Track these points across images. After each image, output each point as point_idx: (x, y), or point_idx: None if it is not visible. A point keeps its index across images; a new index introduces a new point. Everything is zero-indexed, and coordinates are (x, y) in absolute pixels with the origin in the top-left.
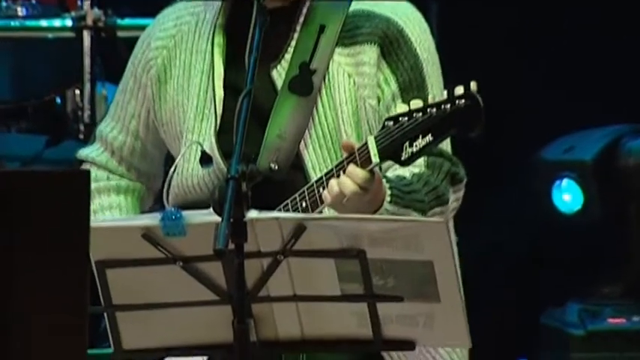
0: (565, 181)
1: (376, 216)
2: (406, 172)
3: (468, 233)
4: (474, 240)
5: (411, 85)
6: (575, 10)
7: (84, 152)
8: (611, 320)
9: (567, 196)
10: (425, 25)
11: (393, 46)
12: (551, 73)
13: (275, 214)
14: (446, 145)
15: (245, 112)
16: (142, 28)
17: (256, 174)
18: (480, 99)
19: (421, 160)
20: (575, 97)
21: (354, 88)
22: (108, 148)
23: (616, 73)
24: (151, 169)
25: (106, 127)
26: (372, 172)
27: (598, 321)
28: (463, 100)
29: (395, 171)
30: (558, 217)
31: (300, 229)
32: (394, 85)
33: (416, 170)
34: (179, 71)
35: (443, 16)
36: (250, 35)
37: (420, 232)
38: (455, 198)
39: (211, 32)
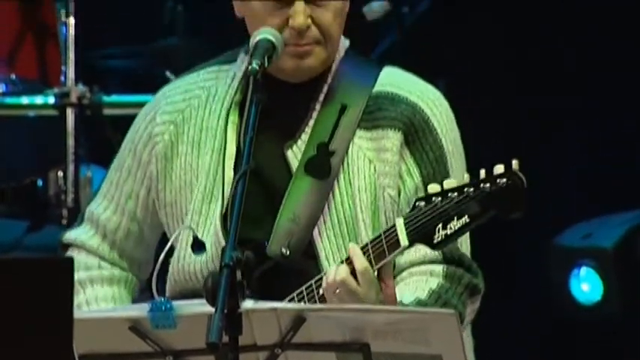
0: (583, 270)
1: (380, 306)
2: (426, 287)
3: (475, 325)
4: (482, 334)
5: (435, 178)
6: (595, 91)
7: (71, 235)
8: None
9: (586, 286)
10: (451, 115)
11: (417, 135)
12: (568, 155)
13: (272, 304)
14: (465, 244)
15: (240, 197)
16: (130, 105)
17: (253, 262)
18: (524, 178)
19: (440, 270)
20: (592, 182)
21: (375, 175)
22: (99, 231)
23: (634, 154)
24: (144, 256)
25: (97, 207)
26: (379, 270)
27: None
28: (504, 180)
29: (413, 284)
30: (576, 309)
31: (299, 320)
32: (417, 178)
33: (434, 284)
34: (187, 148)
35: (450, 94)
36: (246, 114)
37: (429, 324)
38: (471, 310)
39: (226, 109)
